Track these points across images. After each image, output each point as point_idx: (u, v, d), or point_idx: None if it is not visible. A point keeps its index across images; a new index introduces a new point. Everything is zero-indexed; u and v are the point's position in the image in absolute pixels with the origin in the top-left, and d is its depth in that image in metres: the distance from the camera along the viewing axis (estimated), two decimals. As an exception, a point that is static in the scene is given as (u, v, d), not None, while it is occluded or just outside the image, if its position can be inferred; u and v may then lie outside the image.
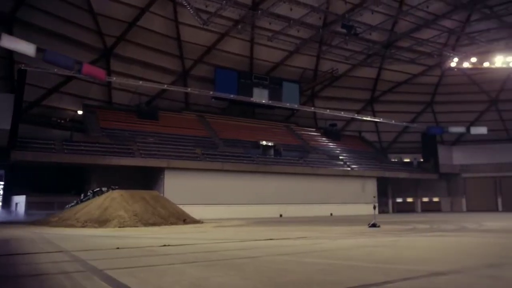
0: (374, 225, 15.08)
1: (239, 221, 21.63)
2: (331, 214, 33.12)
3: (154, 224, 17.03)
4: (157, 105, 35.33)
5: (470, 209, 42.16)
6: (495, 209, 42.11)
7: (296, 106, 37.75)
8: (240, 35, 32.99)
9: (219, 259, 6.22)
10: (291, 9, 29.06)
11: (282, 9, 29.17)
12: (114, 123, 31.12)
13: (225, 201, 29.24)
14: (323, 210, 33.04)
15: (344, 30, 30.36)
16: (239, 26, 30.82)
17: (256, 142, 35.56)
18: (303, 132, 41.95)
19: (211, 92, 33.68)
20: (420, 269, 4.82)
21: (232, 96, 34.37)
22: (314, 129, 43.59)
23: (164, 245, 7.94)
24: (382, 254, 6.65)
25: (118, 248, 7.63)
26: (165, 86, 32.61)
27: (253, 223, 19.61)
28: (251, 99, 35.60)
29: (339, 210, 33.81)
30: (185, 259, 6.13)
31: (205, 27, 30.35)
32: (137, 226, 16.28)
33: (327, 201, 34.21)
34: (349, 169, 37.61)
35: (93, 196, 20.57)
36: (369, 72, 41.14)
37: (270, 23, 30.36)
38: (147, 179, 28.54)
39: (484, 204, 42.32)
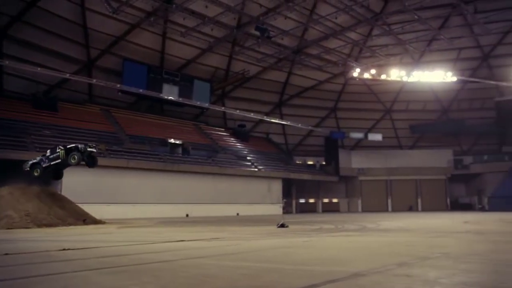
0: (282, 225, 15.31)
1: (145, 221, 20.71)
2: (238, 214, 33.31)
3: (49, 225, 15.51)
4: (56, 96, 32.47)
5: (365, 210, 45.39)
6: (386, 210, 45.88)
7: (207, 105, 37.40)
8: (152, 28, 31.73)
9: (129, 264, 5.69)
10: (206, 7, 28.68)
11: (198, 6, 28.66)
12: (5, 112, 27.89)
13: (130, 200, 27.85)
14: (229, 210, 33.08)
15: (257, 33, 30.74)
16: (152, 19, 29.61)
17: (164, 139, 34.49)
18: (212, 131, 41.72)
19: (118, 85, 31.89)
20: (340, 270, 4.84)
21: (140, 90, 32.88)
22: (223, 129, 43.58)
23: (64, 249, 7.09)
24: (299, 255, 6.66)
25: (6, 254, 6.64)
26: (67, 75, 30.06)
27: (160, 223, 18.87)
28: (161, 95, 34.45)
29: (245, 210, 34.12)
30: (89, 265, 5.49)
31: (114, 15, 28.64)
32: (29, 227, 14.68)
33: (234, 201, 34.35)
34: (256, 169, 38.20)
35: (65, 154, 18.37)
36: (279, 76, 42.28)
37: (184, 19, 29.62)
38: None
39: (377, 205, 45.87)
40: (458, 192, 48.73)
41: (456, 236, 9.96)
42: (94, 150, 19.39)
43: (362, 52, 40.16)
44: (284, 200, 38.59)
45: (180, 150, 34.73)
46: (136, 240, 10.04)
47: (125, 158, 28.91)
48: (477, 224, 15.18)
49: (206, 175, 33.17)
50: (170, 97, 34.98)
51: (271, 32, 30.19)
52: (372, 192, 47.20)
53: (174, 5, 27.79)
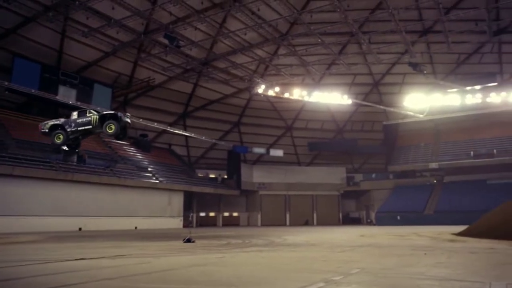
0: (189, 240, 14.75)
1: (33, 236, 18.52)
2: (136, 228, 31.68)
3: None
4: None
5: (264, 224, 46.24)
6: (284, 224, 47.28)
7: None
8: (50, 24, 29.06)
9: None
10: (113, 8, 27.16)
11: (103, 6, 26.97)
12: None
13: (15, 212, 24.86)
14: (127, 223, 31.36)
15: (166, 41, 29.94)
16: (50, 14, 27.14)
17: (56, 146, 31.61)
18: (112, 140, 39.35)
19: (6, 83, 28.53)
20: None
21: (32, 91, 29.79)
22: (123, 138, 41.41)
23: None
24: (218, 273, 6.29)
25: None
26: None
27: (51, 238, 16.99)
28: (56, 97, 31.60)
29: (144, 223, 32.63)
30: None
31: (6, 5, 25.72)
32: None
33: (132, 214, 32.69)
34: (157, 181, 36.85)
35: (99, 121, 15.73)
36: (185, 87, 41.59)
37: (87, 18, 27.66)
38: None
39: (275, 219, 47.07)
40: (349, 207, 52.20)
41: (361, 250, 10.37)
42: (129, 121, 16.83)
43: (267, 69, 41.34)
44: (192, 214, 37.83)
45: (75, 158, 32.08)
46: (26, 259, 8.76)
47: (10, 165, 25.81)
48: (373, 238, 16.13)
49: (103, 186, 31.09)
50: (67, 100, 32.22)
51: (180, 42, 29.58)
52: (271, 206, 48.38)
53: (77, 2, 25.81)
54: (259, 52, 37.31)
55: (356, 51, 39.78)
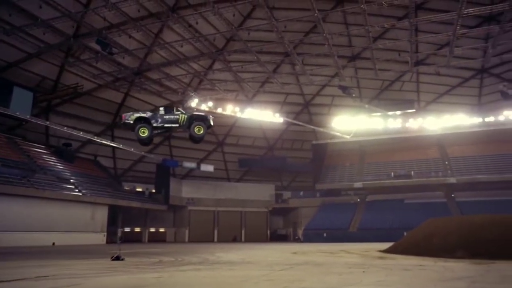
0: (118, 258, 13.91)
1: None
2: (54, 244, 29.36)
3: None
4: None
5: (192, 240, 45.24)
6: (212, 240, 46.60)
7: (27, 117, 32.49)
8: (-36, 18, 26.55)
9: None
10: (40, 7, 25.51)
11: (30, 4, 25.23)
12: None
13: None
14: (44, 239, 28.99)
15: (98, 46, 28.55)
16: (-34, 7, 24.83)
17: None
18: (30, 147, 36.49)
19: None
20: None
21: None
22: (44, 146, 38.56)
23: None
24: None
25: None
26: None
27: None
28: (-33, 99, 28.74)
29: (63, 239, 30.36)
30: None
31: None
32: None
33: (50, 229, 30.29)
34: (80, 194, 34.64)
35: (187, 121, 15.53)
36: (115, 96, 39.89)
37: (10, 15, 25.66)
38: None
39: (204, 235, 46.29)
40: (277, 224, 52.84)
41: (301, 268, 10.35)
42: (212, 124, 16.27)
43: (202, 83, 41.06)
44: (121, 229, 35.97)
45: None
46: None
47: None
48: (306, 255, 16.28)
49: (17, 197, 28.46)
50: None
51: (113, 49, 28.39)
52: (200, 222, 47.56)
53: (-1, -2, 23.88)
54: (194, 65, 37.03)
55: (289, 71, 40.91)
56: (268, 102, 45.23)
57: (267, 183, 52.75)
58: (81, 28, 29.59)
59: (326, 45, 31.93)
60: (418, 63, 38.74)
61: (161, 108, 16.18)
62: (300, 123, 46.62)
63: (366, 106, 45.10)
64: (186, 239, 46.05)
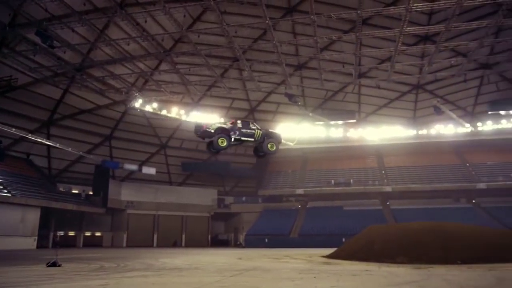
0: (54, 264, 13.12)
1: None
2: (-24, 249, 27.09)
3: None
4: None
5: (130, 244, 43.67)
6: (152, 245, 45.30)
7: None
8: None
9: None
10: (-28, -9, 23.56)
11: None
12: None
13: None
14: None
15: (36, 38, 26.82)
16: None
17: None
18: None
19: None
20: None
21: None
22: (-31, 143, 35.54)
23: None
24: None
25: None
26: None
27: None
28: None
29: (-13, 244, 28.11)
30: None
31: None
32: None
33: (-27, 233, 27.96)
34: (9, 195, 32.29)
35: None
36: (53, 92, 37.56)
37: None
38: None
39: (143, 239, 44.89)
40: (218, 229, 52.47)
41: (251, 274, 10.28)
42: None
43: (147, 84, 39.93)
44: (59, 233, 33.99)
45: None
46: None
47: None
48: (252, 261, 16.24)
49: None
50: None
51: (54, 42, 26.83)
52: (139, 226, 46.10)
53: None
54: (140, 65, 35.94)
55: (236, 76, 40.92)
56: (214, 106, 44.86)
57: (209, 187, 52.28)
58: (19, 17, 27.67)
59: (275, 53, 32.36)
60: (360, 75, 40.28)
61: (239, 121, 16.86)
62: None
63: (310, 114, 46.16)
64: (124, 244, 44.36)
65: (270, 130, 17.62)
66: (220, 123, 17.10)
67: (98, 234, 44.73)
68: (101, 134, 44.67)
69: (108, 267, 12.81)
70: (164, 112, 41.05)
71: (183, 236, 48.40)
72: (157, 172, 46.98)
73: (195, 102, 44.71)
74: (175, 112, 41.39)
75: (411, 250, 14.35)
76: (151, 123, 46.66)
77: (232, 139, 16.37)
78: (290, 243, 38.32)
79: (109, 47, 31.60)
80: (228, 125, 16.65)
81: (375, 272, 10.31)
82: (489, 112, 44.36)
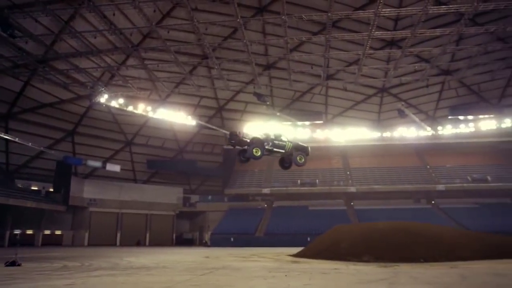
0: (13, 264, 12.62)
1: None
2: None
3: None
4: None
5: (92, 243, 42.49)
6: (114, 244, 44.27)
7: None
8: None
9: None
10: None
11: None
12: None
13: None
14: None
15: (-3, 28, 25.65)
16: None
17: None
18: None
19: None
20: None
21: None
22: None
23: None
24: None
25: None
26: None
27: None
28: None
29: None
30: None
31: None
32: None
33: None
34: (-37, 191, 30.78)
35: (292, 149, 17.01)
36: (13, 84, 35.95)
37: None
38: None
39: (105, 238, 43.81)
40: (183, 228, 51.91)
41: (222, 273, 10.21)
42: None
43: (113, 78, 38.97)
44: (16, 232, 32.69)
45: None
46: None
47: None
48: (220, 260, 16.16)
49: None
50: None
51: (16, 32, 25.73)
52: (101, 224, 44.93)
53: None
54: (107, 59, 35.02)
55: (205, 74, 40.63)
56: (181, 103, 44.40)
57: (175, 186, 51.64)
58: (-23, 5, 26.38)
59: (245, 52, 32.37)
60: (328, 77, 40.87)
61: (272, 133, 17.27)
62: (213, 127, 46.55)
63: (278, 114, 46.44)
64: (86, 243, 43.10)
65: (300, 143, 18.10)
66: (257, 134, 17.33)
67: (58, 232, 43.27)
68: (63, 129, 43.20)
69: (71, 267, 12.41)
70: (130, 108, 40.17)
71: (147, 235, 47.59)
72: (121, 169, 46.03)
73: (162, 99, 44.04)
74: (142, 108, 40.57)
75: (376, 249, 14.67)
76: (116, 119, 45.58)
77: (265, 150, 16.84)
78: (256, 242, 38.38)
79: (74, 39, 30.59)
80: (262, 136, 17.00)
81: (343, 271, 10.47)
82: (449, 117, 46.12)
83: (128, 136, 48.34)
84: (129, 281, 8.56)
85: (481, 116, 45.41)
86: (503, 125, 44.53)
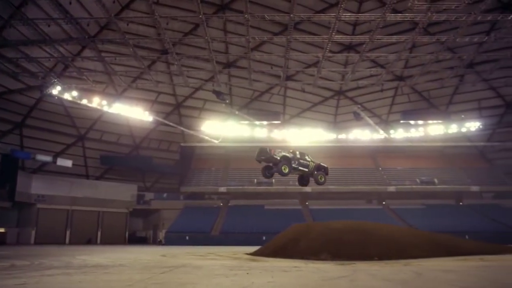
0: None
1: None
2: None
3: None
4: None
5: (39, 242, 40.56)
6: (64, 242, 42.55)
7: None
8: None
9: None
10: None
11: None
12: None
13: None
14: None
15: None
16: None
17: None
18: None
19: None
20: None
21: None
22: None
23: None
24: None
25: None
26: None
27: None
28: None
29: None
30: None
31: None
32: None
33: None
34: None
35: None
36: (-45, 71, 33.88)
37: None
38: None
39: (54, 236, 42.03)
40: (136, 226, 50.73)
41: (183, 271, 10.05)
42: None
43: (67, 70, 37.43)
44: None
45: None
46: None
47: None
48: (177, 258, 15.90)
49: None
50: None
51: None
52: (50, 222, 42.99)
53: None
54: (61, 49, 33.60)
55: (164, 70, 39.94)
56: (138, 99, 43.28)
57: (129, 182, 50.35)
58: None
59: (206, 49, 32.10)
60: (287, 78, 41.32)
61: (297, 152, 18.39)
62: (171, 123, 45.80)
63: (236, 113, 46.38)
64: (32, 241, 41.09)
65: (321, 163, 19.22)
66: (285, 152, 18.33)
67: (1, 230, 40.97)
68: (10, 121, 40.91)
69: (20, 266, 11.80)
70: (84, 101, 38.69)
71: (99, 233, 46.06)
72: (73, 164, 44.30)
73: (119, 93, 42.77)
74: (97, 102, 39.18)
75: (333, 248, 14.98)
76: (69, 112, 43.83)
77: (292, 167, 17.95)
78: (211, 241, 38.17)
79: (26, 26, 29.09)
80: (290, 155, 18.07)
81: (304, 268, 10.61)
82: (401, 121, 47.92)
83: (81, 130, 46.58)
84: (86, 280, 8.24)
85: (430, 122, 47.52)
86: (450, 131, 46.83)
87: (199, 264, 12.63)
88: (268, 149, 17.92)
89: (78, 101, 38.58)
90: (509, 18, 27.01)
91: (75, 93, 37.71)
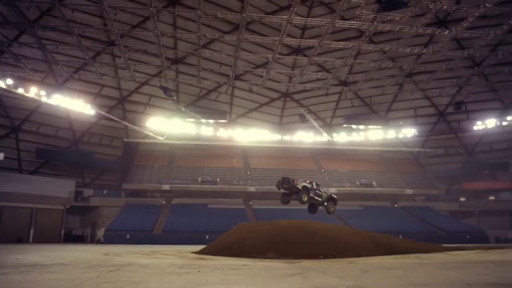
0: None
1: None
2: None
3: None
4: None
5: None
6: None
7: None
8: None
9: None
10: None
11: None
12: None
13: None
14: None
15: None
16: None
17: None
18: None
19: None
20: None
21: None
22: None
23: None
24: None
25: None
26: None
27: None
28: None
29: None
30: None
31: None
32: None
33: None
34: None
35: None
36: None
37: None
38: None
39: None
40: (73, 224, 48.39)
41: (130, 270, 9.78)
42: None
43: (2, 56, 34.99)
44: None
45: None
46: None
47: None
48: (121, 257, 15.45)
49: None
50: None
51: None
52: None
53: None
54: (-3, 34, 31.47)
55: (109, 62, 38.57)
56: (80, 91, 41.43)
57: (67, 178, 47.93)
58: None
59: (155, 43, 31.40)
60: (236, 77, 41.41)
61: (314, 183, 19.97)
62: (115, 118, 44.26)
63: (183, 109, 45.73)
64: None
65: (334, 195, 21.13)
66: (305, 183, 19.77)
67: None
68: None
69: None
70: (20, 90, 36.35)
71: (32, 231, 43.45)
72: (4, 157, 41.42)
73: (59, 83, 40.76)
74: (34, 92, 36.98)
75: (280, 246, 15.26)
76: (2, 102, 41.06)
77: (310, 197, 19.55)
78: (153, 239, 37.41)
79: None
80: (309, 185, 19.67)
81: (253, 266, 10.71)
82: (344, 125, 49.62)
83: (15, 121, 43.77)
84: (27, 279, 7.78)
85: (370, 127, 49.65)
86: (388, 136, 49.23)
87: (146, 262, 12.35)
88: (290, 179, 19.27)
89: (13, 90, 36.21)
90: (445, 33, 28.87)
91: (10, 81, 35.35)
